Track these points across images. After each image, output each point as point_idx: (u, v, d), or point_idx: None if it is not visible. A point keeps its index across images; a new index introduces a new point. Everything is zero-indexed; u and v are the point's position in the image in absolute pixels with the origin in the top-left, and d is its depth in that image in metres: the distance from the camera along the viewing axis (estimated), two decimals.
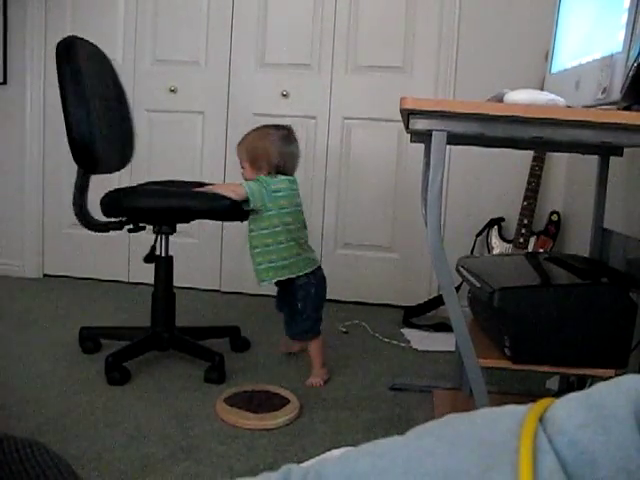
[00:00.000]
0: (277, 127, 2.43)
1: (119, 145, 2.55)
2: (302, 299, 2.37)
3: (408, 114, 1.52)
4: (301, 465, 0.62)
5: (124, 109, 2.62)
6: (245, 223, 2.42)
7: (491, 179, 3.40)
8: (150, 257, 2.50)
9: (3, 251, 3.82)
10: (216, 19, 3.57)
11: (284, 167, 2.36)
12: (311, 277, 2.38)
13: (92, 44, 2.52)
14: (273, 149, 2.34)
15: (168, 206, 2.40)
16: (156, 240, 2.51)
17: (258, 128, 2.46)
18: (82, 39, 2.44)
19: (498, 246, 3.21)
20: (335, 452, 0.72)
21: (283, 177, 2.34)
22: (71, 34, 2.38)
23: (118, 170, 2.61)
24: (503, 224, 3.29)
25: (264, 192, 2.28)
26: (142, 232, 2.52)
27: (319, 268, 2.45)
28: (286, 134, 2.39)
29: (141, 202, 2.38)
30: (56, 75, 2.29)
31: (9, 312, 3.03)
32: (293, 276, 2.35)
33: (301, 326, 2.40)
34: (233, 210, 2.32)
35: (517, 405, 0.42)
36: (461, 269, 2.01)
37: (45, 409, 1.99)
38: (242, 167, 2.41)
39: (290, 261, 2.34)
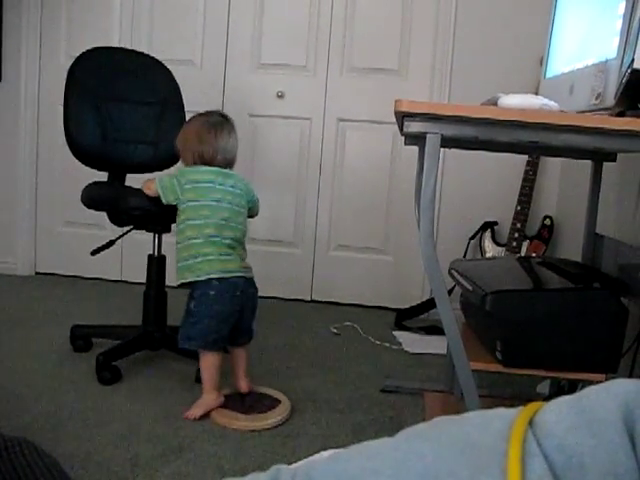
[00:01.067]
0: (207, 113, 2.20)
1: (139, 145, 2.63)
2: (198, 301, 2.02)
3: (403, 117, 1.53)
4: (290, 466, 0.62)
5: (160, 111, 2.66)
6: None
7: (485, 183, 3.41)
8: (98, 250, 2.44)
9: None
10: (212, 19, 3.57)
11: (212, 157, 2.09)
12: (224, 284, 2.01)
13: (125, 50, 2.78)
14: (194, 136, 2.11)
15: (98, 200, 2.41)
16: (122, 236, 2.53)
17: (192, 117, 2.23)
18: (108, 48, 2.76)
19: (491, 250, 3.22)
20: (325, 453, 0.72)
21: (208, 168, 2.08)
22: (96, 44, 2.64)
23: (151, 170, 2.67)
24: (496, 228, 3.30)
25: (175, 184, 2.04)
26: (137, 231, 2.52)
27: (245, 280, 2.06)
28: (216, 121, 2.14)
29: (84, 198, 2.42)
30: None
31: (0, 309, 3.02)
32: (199, 279, 2.00)
33: (185, 330, 2.04)
34: (159, 210, 2.17)
35: (507, 408, 0.42)
36: (453, 272, 2.01)
37: (34, 407, 1.98)
38: None
39: (200, 260, 2.00)
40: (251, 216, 2.22)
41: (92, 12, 3.64)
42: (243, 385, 2.15)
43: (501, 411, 0.41)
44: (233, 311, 2.04)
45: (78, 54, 2.93)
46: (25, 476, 0.62)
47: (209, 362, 2.04)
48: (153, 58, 2.78)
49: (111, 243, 2.47)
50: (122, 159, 2.61)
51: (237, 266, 2.04)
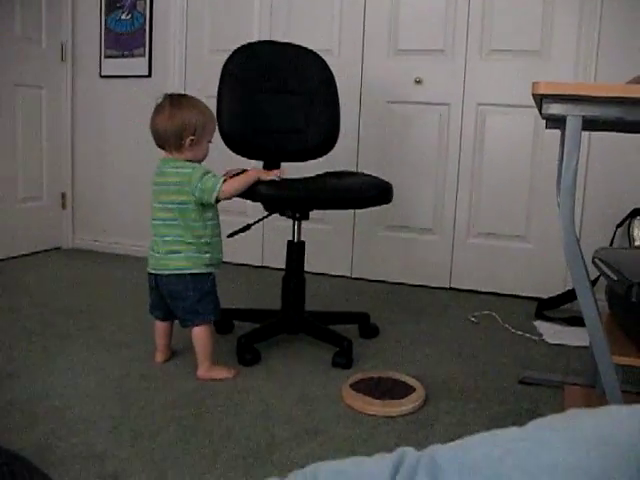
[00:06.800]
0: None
1: (289, 134, 2.72)
2: None
3: (541, 99, 1.47)
4: (417, 452, 0.62)
5: (310, 100, 2.72)
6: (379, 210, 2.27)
7: (636, 165, 3.22)
8: (234, 233, 2.50)
9: None
10: (348, 7, 3.59)
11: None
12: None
13: (276, 43, 2.87)
14: None
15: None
16: (258, 221, 2.58)
17: None
18: (261, 42, 2.86)
19: None
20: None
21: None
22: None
23: (302, 158, 2.73)
24: None
25: None
26: (277, 218, 2.59)
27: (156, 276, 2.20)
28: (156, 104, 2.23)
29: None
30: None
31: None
32: None
33: None
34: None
35: None
36: (598, 261, 1.92)
37: (182, 385, 2.09)
38: None
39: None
40: (203, 203, 2.16)
41: (233, 6, 3.77)
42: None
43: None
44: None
45: (221, 48, 3.02)
46: None
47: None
48: (305, 49, 2.83)
49: (248, 227, 2.53)
50: (272, 148, 2.70)
51: (150, 263, 2.22)
